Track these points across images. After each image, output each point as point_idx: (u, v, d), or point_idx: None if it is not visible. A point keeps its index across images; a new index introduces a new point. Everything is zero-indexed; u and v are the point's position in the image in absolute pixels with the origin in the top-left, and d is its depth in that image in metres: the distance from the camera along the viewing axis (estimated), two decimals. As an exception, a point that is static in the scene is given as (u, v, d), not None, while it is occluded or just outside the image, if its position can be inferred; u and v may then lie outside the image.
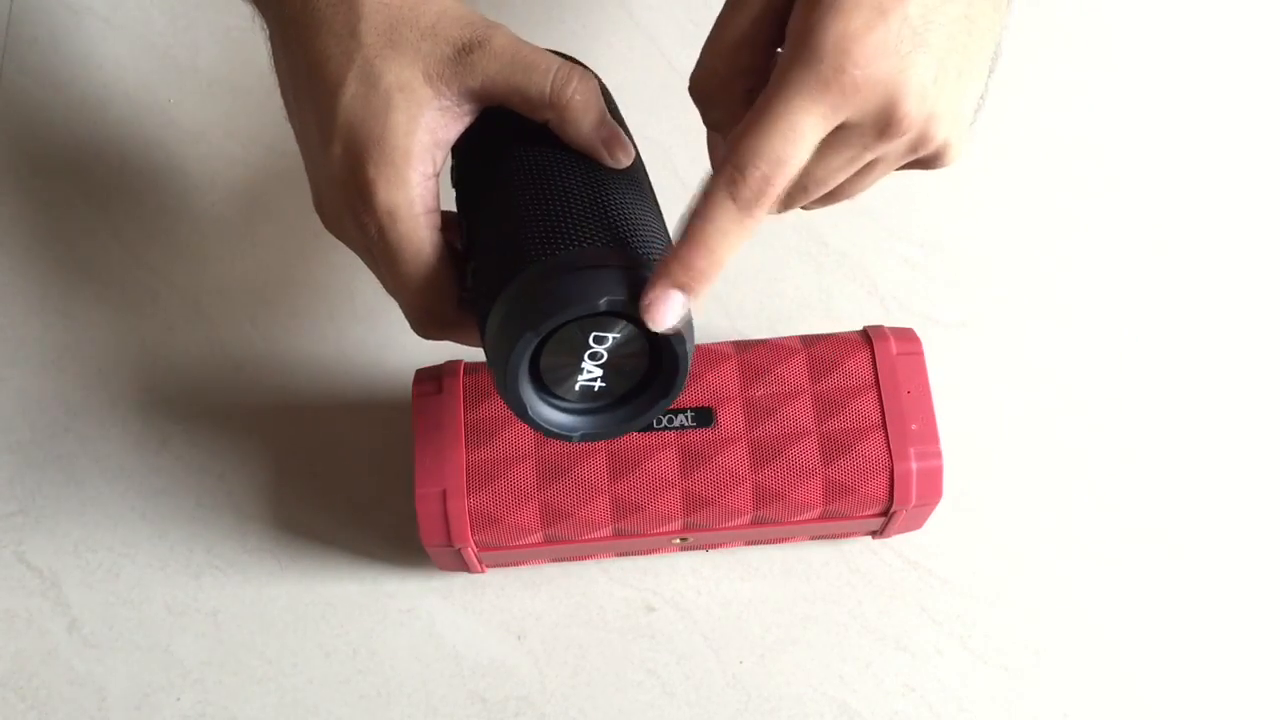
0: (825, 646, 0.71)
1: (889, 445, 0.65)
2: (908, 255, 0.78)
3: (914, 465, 0.64)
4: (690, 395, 0.66)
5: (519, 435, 0.65)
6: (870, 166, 0.52)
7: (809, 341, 0.67)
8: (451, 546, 0.64)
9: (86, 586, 0.72)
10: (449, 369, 0.67)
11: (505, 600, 0.71)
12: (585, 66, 0.55)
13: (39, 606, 0.71)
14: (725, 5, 0.52)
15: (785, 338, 0.68)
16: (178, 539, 0.73)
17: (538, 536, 0.65)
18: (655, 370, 0.53)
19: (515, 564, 0.70)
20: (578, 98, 0.54)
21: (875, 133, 0.49)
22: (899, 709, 0.70)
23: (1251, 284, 0.78)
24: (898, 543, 0.72)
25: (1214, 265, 0.78)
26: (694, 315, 0.51)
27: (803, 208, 0.54)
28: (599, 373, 0.52)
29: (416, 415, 0.66)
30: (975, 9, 0.50)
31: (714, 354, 0.67)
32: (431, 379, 0.67)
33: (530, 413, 0.52)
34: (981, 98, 0.52)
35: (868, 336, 0.67)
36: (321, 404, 0.75)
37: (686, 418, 0.65)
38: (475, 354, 0.74)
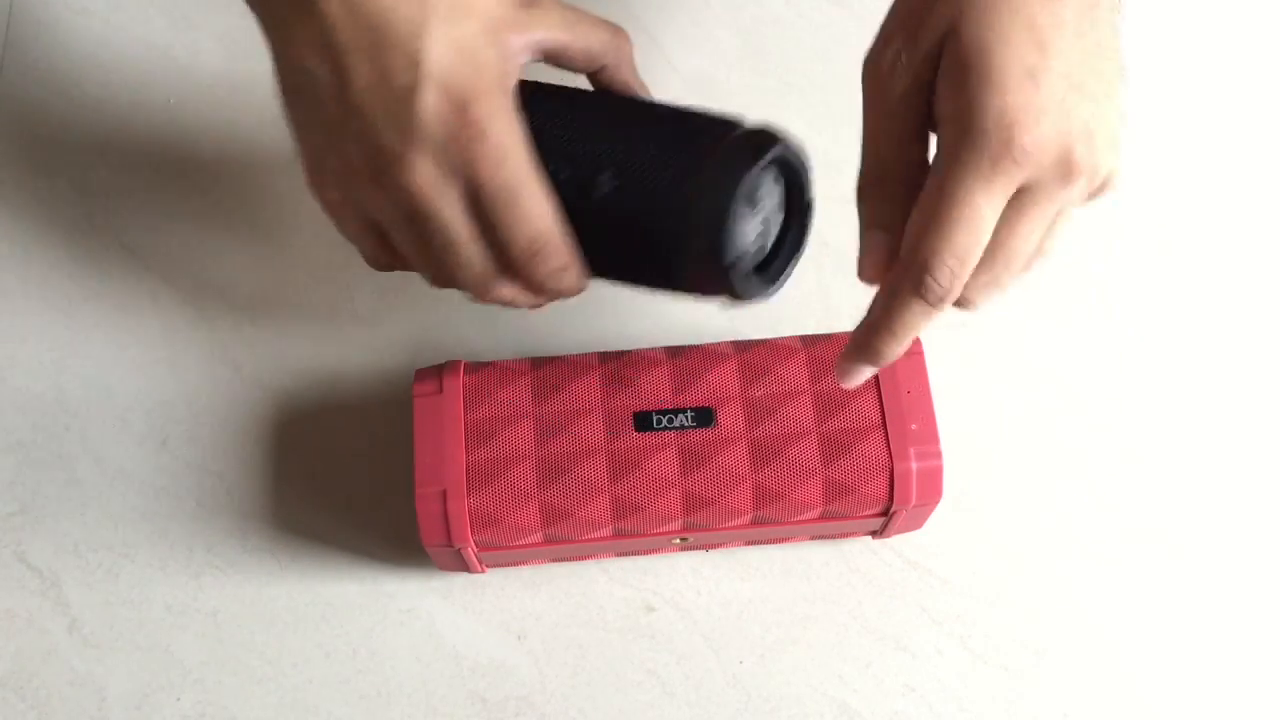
0: (825, 646, 0.71)
1: (889, 445, 0.65)
2: (908, 255, 0.78)
3: (914, 465, 0.64)
4: (690, 395, 0.66)
5: (519, 435, 0.65)
6: (1056, 226, 0.53)
7: (809, 341, 0.67)
8: (451, 546, 0.64)
9: (86, 586, 0.72)
10: (449, 369, 0.67)
11: (505, 600, 0.71)
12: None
13: (39, 606, 0.71)
14: (865, 104, 0.53)
15: (785, 338, 0.68)
16: (178, 539, 0.73)
17: (538, 536, 0.65)
18: (784, 232, 0.59)
19: (515, 564, 0.70)
20: (629, 46, 0.59)
21: (1059, 184, 0.50)
22: (899, 709, 0.70)
23: (1253, 284, 0.78)
24: (898, 543, 0.72)
25: (1215, 265, 0.78)
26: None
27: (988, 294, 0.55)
28: (753, 235, 0.57)
29: (417, 415, 0.66)
30: (1102, 33, 0.50)
31: (714, 354, 0.67)
32: (432, 378, 0.67)
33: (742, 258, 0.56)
34: (1122, 114, 0.52)
35: (869, 336, 0.67)
36: (321, 404, 0.75)
37: (686, 418, 0.65)
38: (475, 354, 0.74)
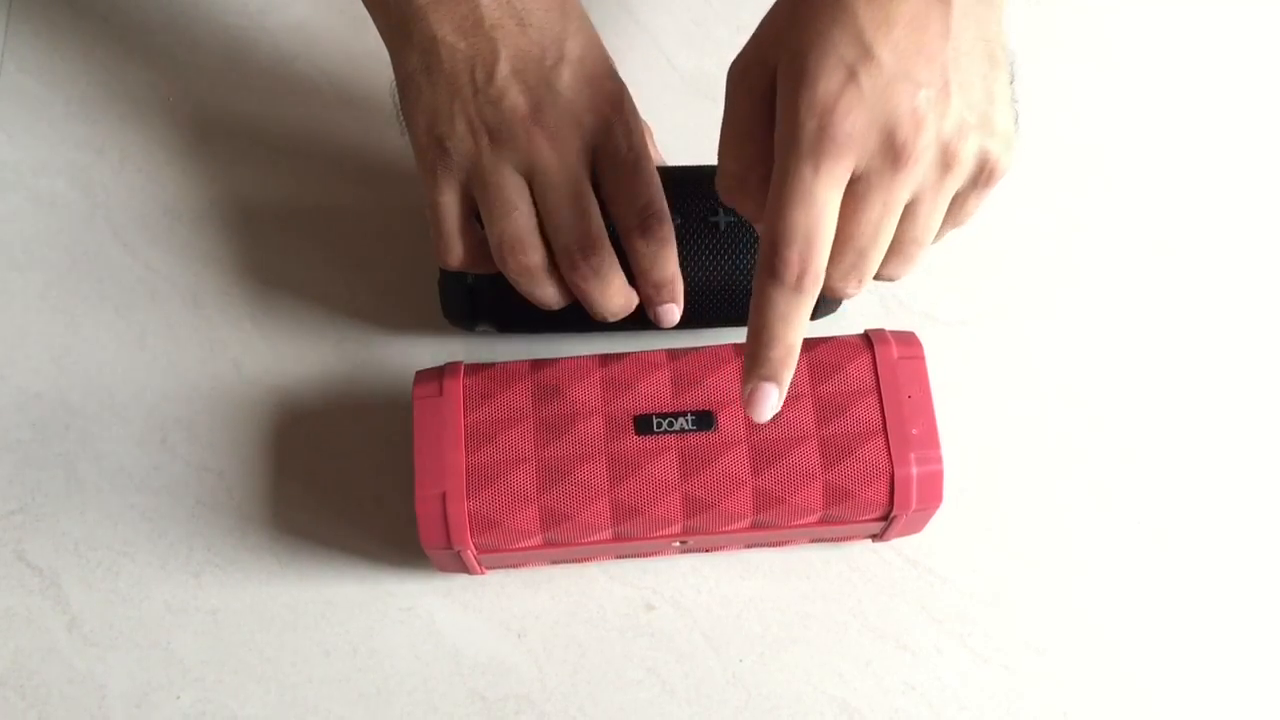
0: (825, 645, 0.71)
1: (889, 450, 0.64)
2: (908, 253, 0.77)
3: (914, 470, 0.64)
4: (690, 398, 0.66)
5: (519, 438, 0.65)
6: (918, 208, 0.55)
7: (809, 344, 0.67)
8: (451, 549, 0.64)
9: (86, 585, 0.72)
10: (450, 370, 0.67)
11: (505, 599, 0.71)
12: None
13: (39, 605, 0.71)
14: (725, 106, 0.57)
15: (786, 341, 0.68)
16: (177, 537, 0.73)
17: (537, 539, 0.65)
18: None
19: (514, 566, 0.70)
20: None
21: (891, 168, 0.52)
22: (899, 707, 0.70)
23: (1254, 284, 0.78)
24: (898, 541, 0.72)
25: (1216, 264, 0.78)
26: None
27: (887, 278, 0.58)
28: None
29: (416, 417, 0.66)
30: (955, 24, 0.52)
31: (714, 357, 0.67)
32: (432, 380, 0.67)
33: None
34: (1012, 101, 0.55)
35: (869, 340, 0.67)
36: (322, 404, 0.75)
37: (687, 421, 0.65)
38: (476, 356, 0.74)
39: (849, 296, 0.56)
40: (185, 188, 0.79)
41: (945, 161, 0.53)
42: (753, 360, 0.54)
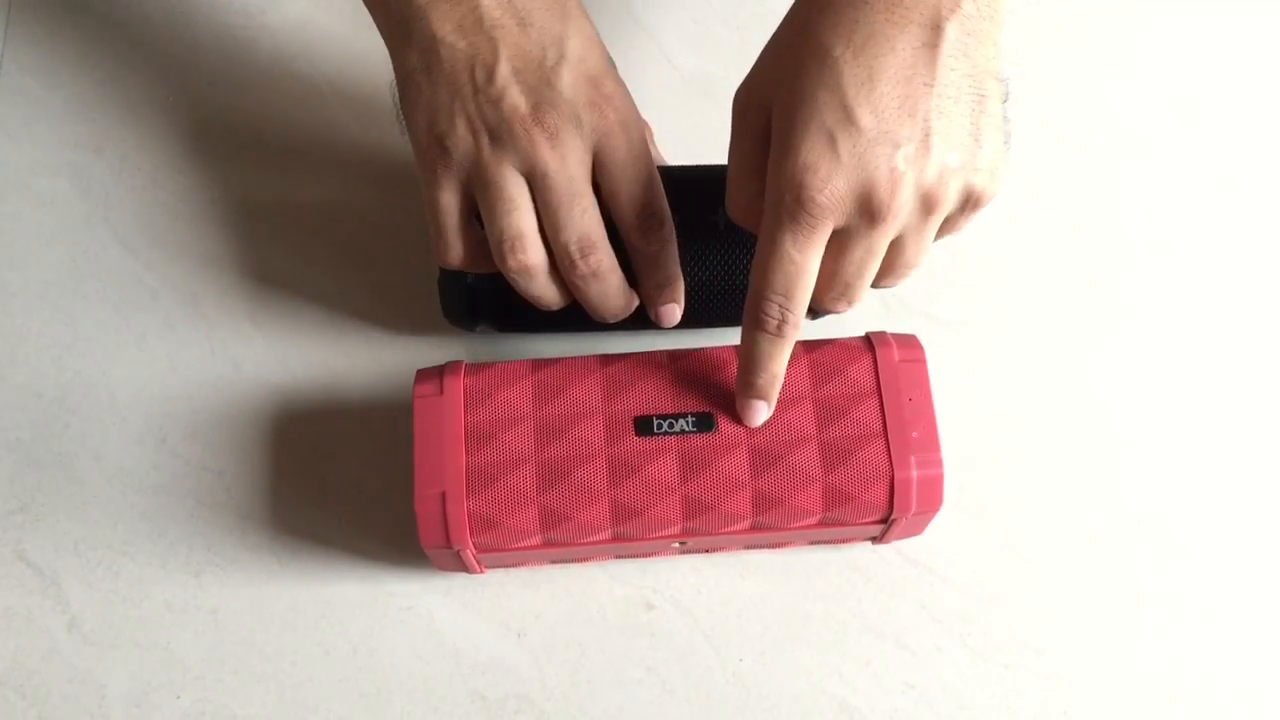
0: (825, 644, 0.71)
1: (889, 453, 0.64)
2: (908, 253, 0.77)
3: (914, 473, 0.64)
4: (691, 400, 0.66)
5: (519, 438, 0.65)
6: (904, 243, 0.59)
7: (810, 347, 0.67)
8: (450, 548, 0.64)
9: (86, 584, 0.72)
10: (450, 370, 0.67)
11: (505, 598, 0.71)
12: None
13: (39, 604, 0.71)
14: (730, 137, 0.61)
15: (787, 343, 0.68)
16: (177, 537, 0.73)
17: (537, 539, 0.65)
18: None
19: (514, 565, 0.70)
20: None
21: (869, 225, 0.56)
22: (899, 706, 0.70)
23: (1255, 283, 0.78)
24: (898, 541, 0.72)
25: (1216, 264, 0.78)
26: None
27: (884, 288, 0.62)
28: None
29: (417, 416, 0.65)
30: (943, 69, 0.55)
31: (715, 359, 0.67)
32: (432, 380, 0.67)
33: None
34: (1004, 124, 0.57)
35: (870, 342, 0.67)
36: (321, 403, 0.75)
37: (687, 423, 0.65)
38: (475, 355, 0.74)
39: (840, 313, 0.62)
40: (185, 188, 0.79)
41: (927, 206, 0.56)
42: (743, 383, 0.63)
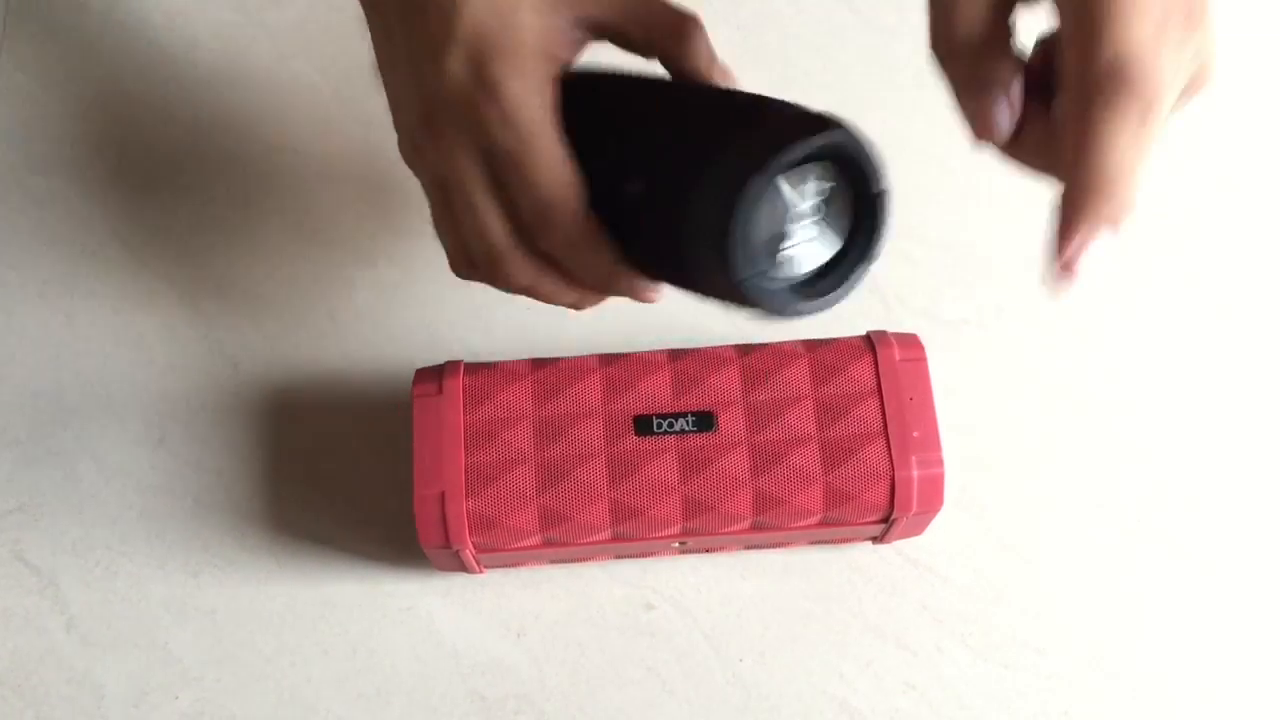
0: (825, 644, 0.71)
1: (890, 452, 0.64)
2: (909, 252, 0.77)
3: (915, 473, 0.64)
4: (691, 399, 0.65)
5: (518, 437, 0.65)
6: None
7: (811, 346, 0.67)
8: (449, 548, 0.64)
9: (84, 584, 0.72)
10: (449, 369, 0.67)
11: (504, 598, 0.71)
12: None
13: (37, 605, 0.71)
14: None
15: (787, 342, 0.68)
16: (176, 537, 0.73)
17: (536, 539, 0.65)
18: (853, 234, 0.50)
19: (513, 565, 0.70)
20: (698, 32, 0.55)
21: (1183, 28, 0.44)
22: (899, 707, 0.70)
23: (1255, 283, 0.78)
24: (899, 541, 0.72)
25: (1216, 264, 0.78)
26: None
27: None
28: (799, 239, 0.50)
29: (416, 416, 0.65)
30: None
31: (715, 358, 0.67)
32: (431, 379, 0.66)
33: (762, 278, 0.49)
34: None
35: (871, 342, 0.67)
36: (320, 403, 0.75)
37: (687, 422, 0.65)
38: (476, 355, 0.74)
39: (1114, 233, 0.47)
40: (183, 186, 0.79)
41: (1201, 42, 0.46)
42: (1091, 196, 0.45)
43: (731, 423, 0.65)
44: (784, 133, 0.47)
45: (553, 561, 0.70)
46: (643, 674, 0.70)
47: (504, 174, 0.53)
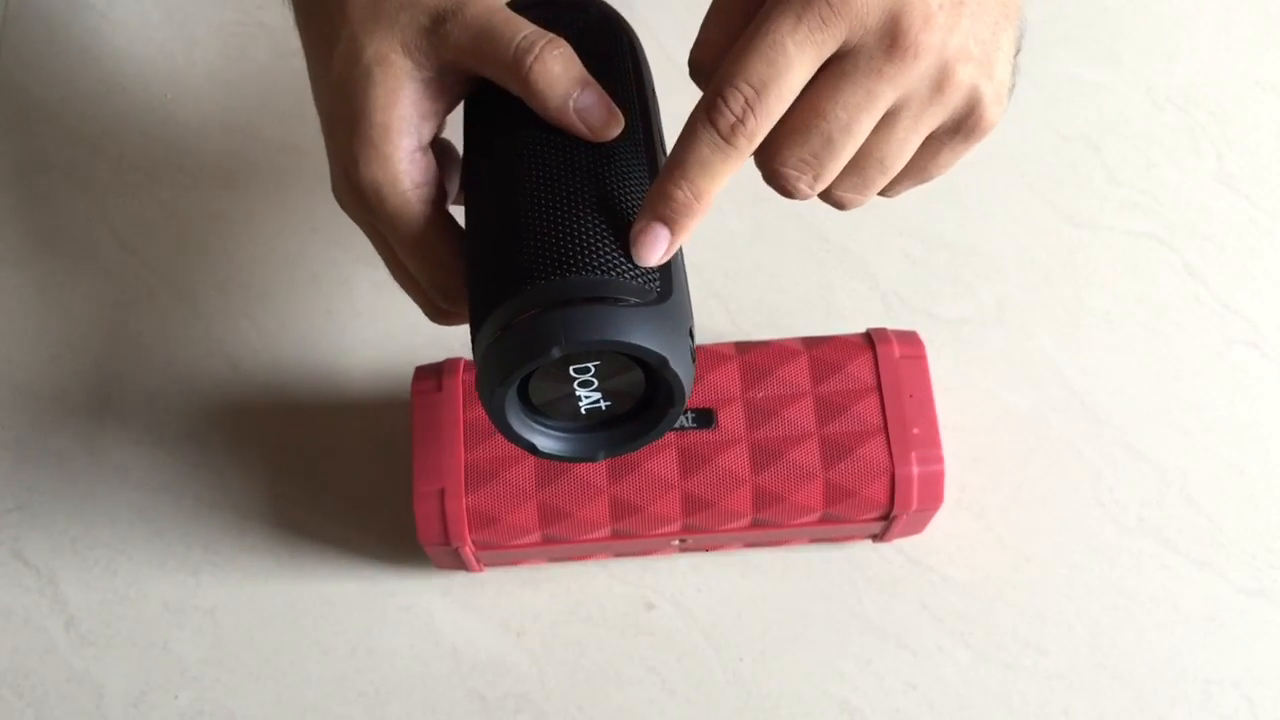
0: (826, 644, 0.71)
1: (890, 449, 0.64)
2: (909, 251, 0.77)
3: (915, 470, 0.64)
4: (691, 397, 0.65)
5: (518, 435, 0.65)
6: (896, 120, 0.48)
7: (811, 343, 0.67)
8: (449, 546, 0.64)
9: (84, 584, 0.72)
10: (449, 367, 0.67)
11: (504, 597, 0.71)
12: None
13: (36, 604, 0.71)
14: None
15: (787, 339, 0.68)
16: (175, 536, 0.73)
17: (536, 537, 0.65)
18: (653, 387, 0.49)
19: (513, 563, 0.70)
20: (537, 68, 0.49)
21: (885, 55, 0.45)
22: (900, 706, 0.69)
23: (1255, 282, 0.78)
24: (899, 540, 0.72)
25: (1218, 264, 0.78)
26: (690, 291, 0.51)
27: (836, 201, 0.51)
28: (598, 395, 0.49)
29: (415, 413, 0.65)
30: None
31: (715, 355, 0.67)
32: (431, 377, 0.66)
33: (533, 444, 0.50)
34: (1013, 60, 0.50)
35: (870, 339, 0.67)
36: (320, 401, 0.75)
37: (687, 419, 0.65)
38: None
39: (800, 195, 0.49)
40: (183, 186, 0.79)
41: (939, 80, 0.47)
42: (655, 195, 0.47)
43: (731, 419, 0.65)
44: (522, 351, 0.46)
45: (552, 560, 0.70)
46: (643, 673, 0.70)
47: (385, 249, 0.55)
